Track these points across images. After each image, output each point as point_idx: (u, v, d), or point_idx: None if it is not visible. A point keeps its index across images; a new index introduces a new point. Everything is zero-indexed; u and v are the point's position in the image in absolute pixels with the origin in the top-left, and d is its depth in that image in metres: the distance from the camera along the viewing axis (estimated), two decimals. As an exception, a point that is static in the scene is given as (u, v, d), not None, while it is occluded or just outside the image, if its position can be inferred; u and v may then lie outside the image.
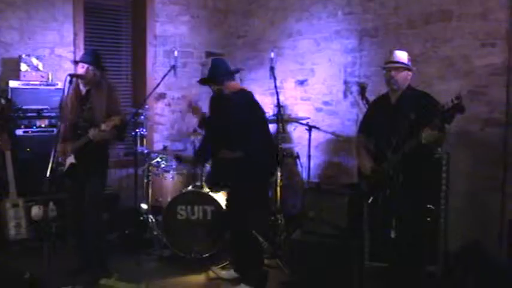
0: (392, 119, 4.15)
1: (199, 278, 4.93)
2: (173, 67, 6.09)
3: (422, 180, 4.20)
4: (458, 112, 3.63)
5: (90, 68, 4.66)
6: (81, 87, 4.75)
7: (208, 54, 7.26)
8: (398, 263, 4.23)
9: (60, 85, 5.51)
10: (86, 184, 4.72)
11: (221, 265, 5.04)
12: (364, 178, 4.35)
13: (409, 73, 4.24)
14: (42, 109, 5.74)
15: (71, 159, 4.70)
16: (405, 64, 4.22)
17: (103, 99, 4.66)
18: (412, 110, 4.01)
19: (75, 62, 5.02)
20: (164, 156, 6.10)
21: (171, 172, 5.87)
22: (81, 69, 4.69)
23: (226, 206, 4.92)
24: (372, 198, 4.29)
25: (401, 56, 4.24)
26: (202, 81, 4.93)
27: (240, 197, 4.65)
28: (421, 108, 4.00)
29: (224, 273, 4.93)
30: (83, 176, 4.72)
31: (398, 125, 4.04)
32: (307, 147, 5.95)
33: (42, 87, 5.77)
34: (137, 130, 5.80)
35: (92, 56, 4.75)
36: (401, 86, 4.22)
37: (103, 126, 4.45)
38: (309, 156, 5.94)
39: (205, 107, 4.97)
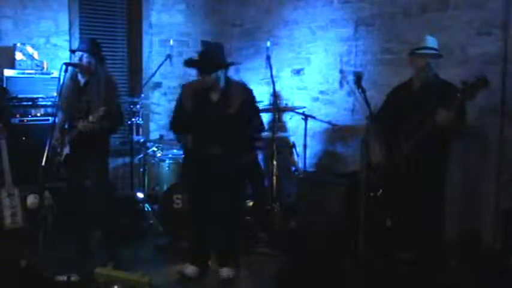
0: (414, 106, 4.07)
1: (195, 266, 4.92)
2: (169, 56, 6.08)
3: (434, 171, 4.15)
4: (483, 86, 3.62)
5: (85, 55, 4.61)
6: (79, 77, 4.69)
7: (204, 43, 7.22)
8: (395, 250, 4.25)
9: (55, 74, 5.49)
10: (90, 173, 4.78)
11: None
12: (375, 168, 4.27)
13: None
14: (37, 98, 5.72)
15: (66, 150, 4.72)
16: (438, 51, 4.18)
17: (100, 92, 4.61)
18: (435, 97, 3.93)
19: (72, 51, 4.99)
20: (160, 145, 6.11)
21: (167, 161, 5.86)
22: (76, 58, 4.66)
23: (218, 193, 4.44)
24: (381, 190, 4.23)
25: (435, 42, 4.19)
26: (222, 66, 4.40)
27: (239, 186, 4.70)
28: (443, 94, 3.92)
29: (187, 271, 4.57)
30: (80, 166, 4.76)
31: (419, 112, 3.96)
32: (303, 137, 5.95)
33: (38, 76, 5.76)
34: (133, 119, 5.79)
35: (87, 44, 4.70)
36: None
37: (91, 118, 4.45)
38: (305, 146, 5.94)
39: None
